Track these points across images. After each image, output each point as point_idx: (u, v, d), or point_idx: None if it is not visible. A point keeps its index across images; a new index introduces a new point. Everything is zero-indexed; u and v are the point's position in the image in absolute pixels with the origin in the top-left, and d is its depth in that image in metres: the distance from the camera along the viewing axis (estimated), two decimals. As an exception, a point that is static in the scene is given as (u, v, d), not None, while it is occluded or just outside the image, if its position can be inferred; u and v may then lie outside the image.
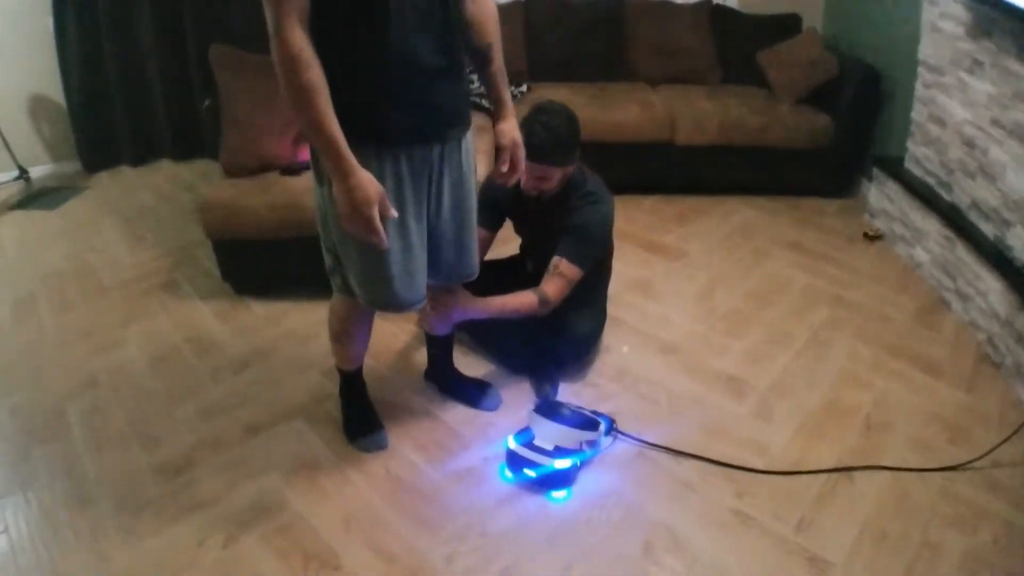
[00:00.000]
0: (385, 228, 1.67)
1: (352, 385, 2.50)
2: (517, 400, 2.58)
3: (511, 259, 2.93)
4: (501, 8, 4.20)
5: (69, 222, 4.31)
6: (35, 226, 4.29)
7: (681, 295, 3.10)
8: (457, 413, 2.54)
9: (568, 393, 2.60)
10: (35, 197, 4.90)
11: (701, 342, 2.81)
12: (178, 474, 2.27)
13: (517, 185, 2.32)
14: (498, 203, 2.65)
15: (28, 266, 3.72)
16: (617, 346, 2.85)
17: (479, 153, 2.45)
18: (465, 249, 2.08)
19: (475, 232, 2.09)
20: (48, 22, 5.01)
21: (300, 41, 1.46)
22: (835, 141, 4.10)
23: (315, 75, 1.49)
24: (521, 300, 2.45)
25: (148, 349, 2.90)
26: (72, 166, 5.36)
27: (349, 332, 2.26)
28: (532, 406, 2.45)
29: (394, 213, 1.68)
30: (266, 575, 1.90)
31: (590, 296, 2.68)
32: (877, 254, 3.59)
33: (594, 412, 2.46)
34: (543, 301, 2.45)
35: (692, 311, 3.00)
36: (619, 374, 2.69)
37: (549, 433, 2.21)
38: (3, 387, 2.70)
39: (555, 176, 2.38)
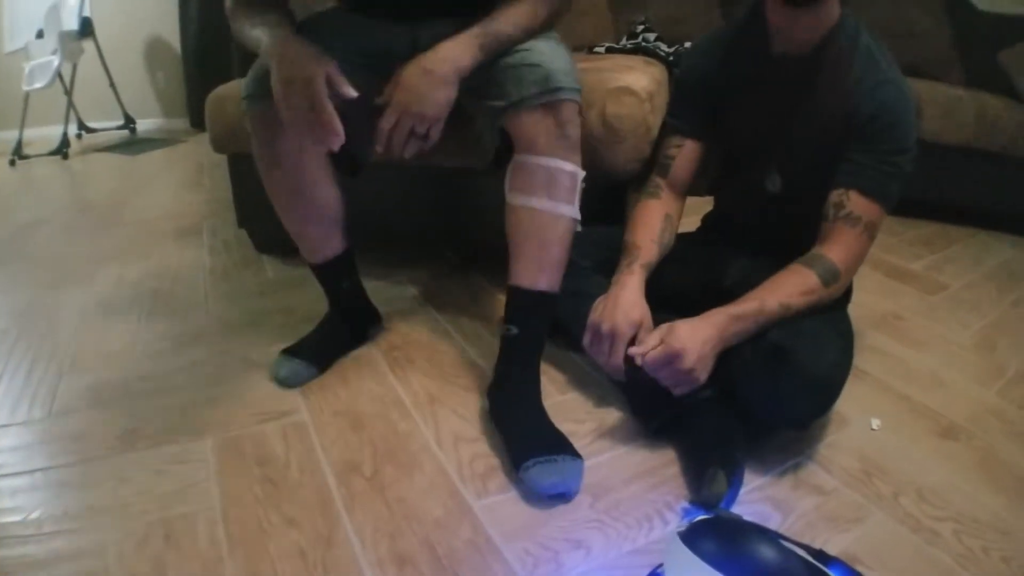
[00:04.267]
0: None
1: (326, 284, 1.69)
2: (639, 494, 1.28)
3: (688, 239, 1.71)
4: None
5: (139, 167, 4.14)
6: (104, 166, 4.20)
7: (951, 344, 1.98)
8: (501, 499, 1.27)
9: (754, 500, 1.29)
10: (128, 144, 4.79)
11: (996, 420, 1.60)
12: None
13: (738, 46, 1.50)
14: (707, 81, 1.57)
15: (66, 196, 3.59)
16: (860, 416, 1.54)
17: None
18: None
19: None
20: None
21: None
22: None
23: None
24: (789, 287, 1.36)
25: (106, 292, 2.19)
26: (181, 123, 5.30)
27: (270, 155, 1.47)
28: (679, 521, 1.20)
29: (352, 92, 1.27)
30: None
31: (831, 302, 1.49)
32: None
33: (819, 554, 1.07)
34: (828, 276, 1.37)
35: (972, 368, 1.85)
36: (865, 471, 1.39)
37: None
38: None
39: None
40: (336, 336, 1.66)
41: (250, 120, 1.42)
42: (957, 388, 1.70)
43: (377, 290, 1.89)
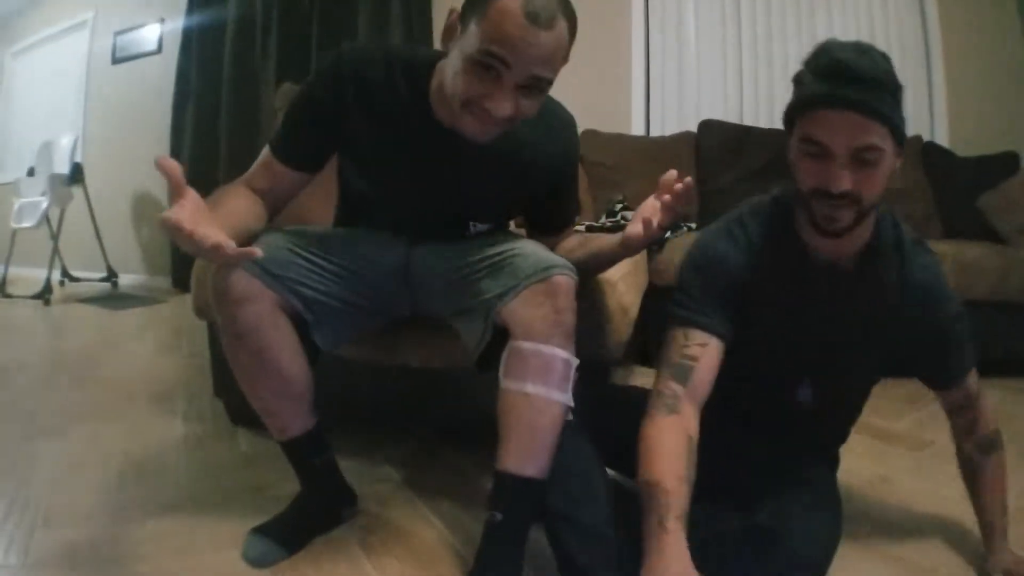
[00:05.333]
0: None
1: (295, 462, 1.63)
2: None
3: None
4: (668, 140, 4.15)
5: (118, 323, 4.20)
6: (84, 318, 4.30)
7: (941, 498, 1.95)
8: None
9: None
10: (108, 298, 4.84)
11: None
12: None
13: (771, 248, 1.36)
14: (736, 276, 1.37)
15: (45, 344, 3.72)
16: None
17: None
18: None
19: None
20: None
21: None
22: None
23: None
24: (999, 479, 1.50)
25: (79, 450, 2.18)
26: (163, 282, 5.34)
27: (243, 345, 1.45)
28: None
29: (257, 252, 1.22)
30: None
31: (818, 467, 1.52)
32: None
33: None
34: (998, 442, 1.53)
35: (964, 518, 1.84)
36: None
37: None
38: None
39: (881, 157, 1.19)
40: (308, 517, 1.61)
41: (214, 293, 1.40)
42: (949, 540, 1.71)
43: (351, 469, 1.84)
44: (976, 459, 1.49)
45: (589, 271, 1.59)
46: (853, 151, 1.16)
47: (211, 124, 4.96)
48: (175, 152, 5.09)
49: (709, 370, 1.32)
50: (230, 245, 1.11)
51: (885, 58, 1.19)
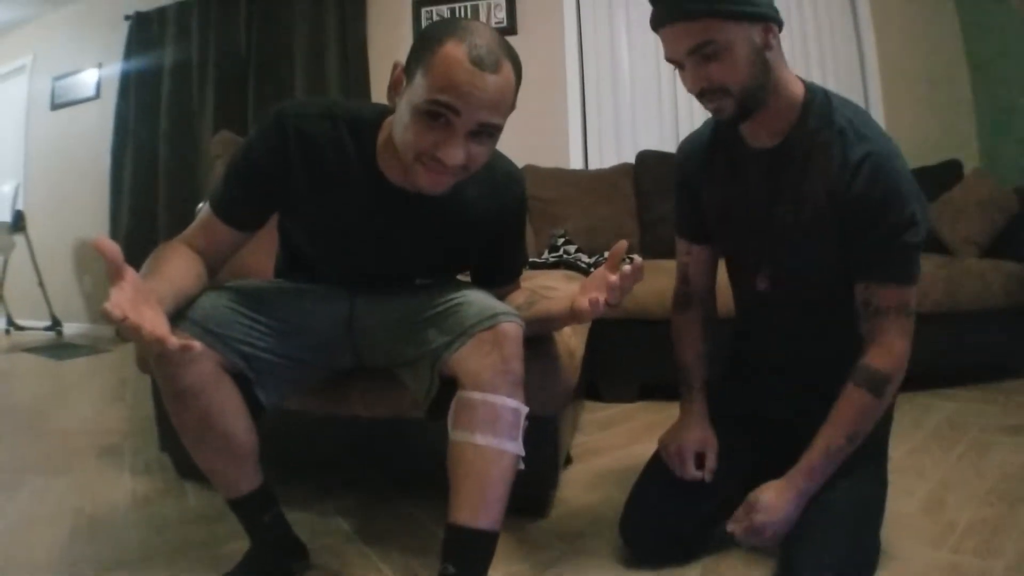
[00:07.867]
0: None
1: (244, 520, 1.58)
2: None
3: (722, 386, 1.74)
4: (607, 172, 4.19)
5: (64, 373, 4.17)
6: (29, 369, 4.28)
7: (900, 516, 1.92)
8: None
9: None
10: (53, 348, 4.76)
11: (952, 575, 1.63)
12: None
13: (716, 143, 1.55)
14: (692, 183, 1.62)
15: None
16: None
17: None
18: None
19: None
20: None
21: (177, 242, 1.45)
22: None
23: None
24: (847, 415, 1.39)
25: (30, 505, 2.16)
26: (107, 330, 5.28)
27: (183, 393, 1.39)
28: None
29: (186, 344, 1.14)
30: None
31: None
32: None
33: None
34: (877, 385, 1.37)
35: (923, 533, 1.87)
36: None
37: None
38: None
39: (720, 47, 1.26)
40: (259, 573, 1.56)
41: (153, 356, 1.35)
42: (910, 557, 1.69)
43: (301, 521, 1.81)
44: (848, 384, 1.41)
45: (535, 332, 1.59)
46: (692, 54, 1.28)
47: (150, 169, 4.97)
48: (115, 196, 5.10)
49: (700, 270, 1.66)
50: (170, 340, 1.07)
51: None
